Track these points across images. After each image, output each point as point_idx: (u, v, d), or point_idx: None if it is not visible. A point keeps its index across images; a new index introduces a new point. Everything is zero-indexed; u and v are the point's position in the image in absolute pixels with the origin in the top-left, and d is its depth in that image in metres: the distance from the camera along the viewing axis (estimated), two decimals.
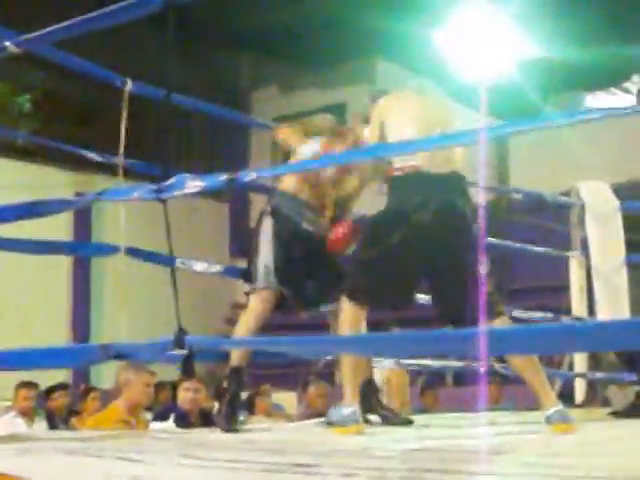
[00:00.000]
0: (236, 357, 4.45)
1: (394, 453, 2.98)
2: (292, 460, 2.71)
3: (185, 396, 6.56)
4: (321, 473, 2.45)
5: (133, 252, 5.33)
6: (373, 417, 4.70)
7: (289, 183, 4.71)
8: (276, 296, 4.57)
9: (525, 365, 4.09)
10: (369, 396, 4.71)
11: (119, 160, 5.30)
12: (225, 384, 4.51)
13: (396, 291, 4.30)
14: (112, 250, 5.38)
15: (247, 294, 4.63)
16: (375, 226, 4.30)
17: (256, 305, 4.56)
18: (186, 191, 3.04)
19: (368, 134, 4.53)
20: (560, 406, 4.04)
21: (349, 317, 4.21)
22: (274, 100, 16.55)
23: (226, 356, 4.50)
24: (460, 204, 4.20)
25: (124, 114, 5.05)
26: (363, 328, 4.30)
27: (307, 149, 4.66)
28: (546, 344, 2.46)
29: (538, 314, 7.06)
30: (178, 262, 5.22)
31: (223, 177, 3.04)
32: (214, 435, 4.27)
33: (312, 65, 15.49)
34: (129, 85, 5.16)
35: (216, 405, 7.58)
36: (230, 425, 4.33)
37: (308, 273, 4.66)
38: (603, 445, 3.51)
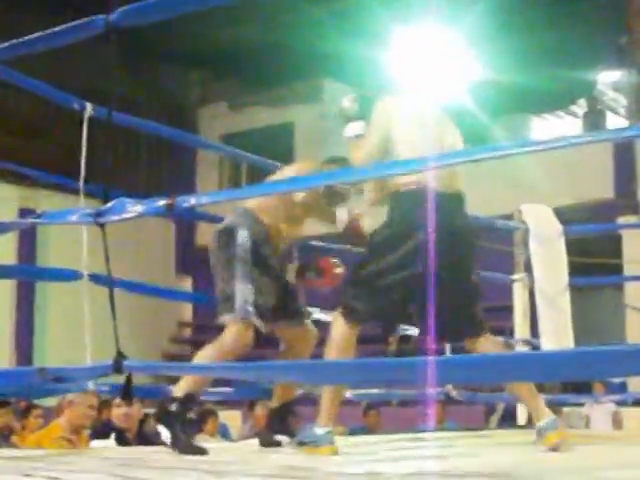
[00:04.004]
0: (192, 383, 4.20)
1: (337, 477, 2.97)
2: None
3: (118, 413, 6.47)
4: None
5: (96, 278, 5.07)
6: (284, 438, 4.63)
7: (260, 203, 4.48)
8: (254, 331, 4.30)
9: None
10: (285, 417, 4.68)
11: (80, 184, 5.13)
12: (173, 408, 4.18)
13: (392, 311, 4.26)
14: (74, 276, 5.14)
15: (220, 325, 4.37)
16: (375, 243, 4.16)
17: (229, 338, 4.28)
18: (125, 216, 3.02)
19: (365, 144, 4.29)
20: (553, 416, 4.17)
21: (340, 334, 4.08)
22: (222, 117, 16.53)
23: None
24: (459, 224, 4.16)
25: (84, 138, 4.85)
26: (353, 346, 4.13)
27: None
28: (497, 373, 2.46)
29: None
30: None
31: (162, 202, 3.01)
32: (154, 454, 4.23)
33: (260, 84, 15.51)
34: (89, 110, 4.93)
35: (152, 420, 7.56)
36: (191, 446, 4.09)
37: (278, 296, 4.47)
38: (540, 465, 3.54)
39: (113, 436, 6.37)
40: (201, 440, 7.63)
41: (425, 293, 4.09)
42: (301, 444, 4.05)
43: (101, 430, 6.76)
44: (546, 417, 4.16)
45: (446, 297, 4.05)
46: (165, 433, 4.17)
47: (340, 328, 4.11)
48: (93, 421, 6.48)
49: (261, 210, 4.48)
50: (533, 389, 4.26)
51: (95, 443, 6.15)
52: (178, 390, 4.23)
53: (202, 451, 4.08)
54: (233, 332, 4.28)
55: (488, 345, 4.22)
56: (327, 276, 4.69)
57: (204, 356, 4.26)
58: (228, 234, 4.42)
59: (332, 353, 4.08)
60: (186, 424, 4.20)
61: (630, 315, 12.88)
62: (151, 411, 7.68)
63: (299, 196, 4.48)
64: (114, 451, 5.11)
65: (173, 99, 16.54)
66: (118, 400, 6.42)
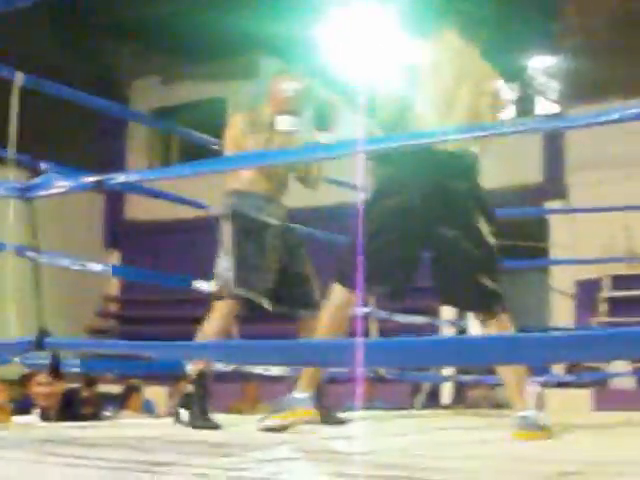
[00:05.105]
0: (201, 361, 4.32)
1: (252, 452, 2.96)
2: (151, 458, 2.68)
3: (39, 391, 6.37)
4: (173, 473, 2.41)
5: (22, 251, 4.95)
6: None
7: (241, 179, 4.52)
8: (237, 305, 4.46)
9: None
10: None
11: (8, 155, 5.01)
12: (189, 389, 4.37)
13: (384, 276, 3.95)
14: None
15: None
16: (365, 207, 3.94)
17: (215, 316, 4.46)
18: (52, 192, 2.97)
19: None
20: (529, 412, 3.76)
21: (336, 301, 3.93)
22: (154, 91, 16.36)
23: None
24: (455, 185, 3.83)
25: (14, 109, 4.72)
26: (349, 314, 3.99)
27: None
28: (421, 357, 2.45)
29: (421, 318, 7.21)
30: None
31: (91, 179, 2.97)
32: (76, 430, 4.20)
33: (194, 58, 15.37)
34: (20, 79, 4.79)
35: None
36: (207, 422, 4.23)
37: (280, 273, 4.53)
38: (458, 447, 3.56)
39: (37, 412, 6.30)
40: (126, 416, 7.62)
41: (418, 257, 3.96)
42: (278, 411, 3.97)
43: (23, 405, 6.68)
44: (522, 410, 3.75)
45: (442, 263, 3.90)
46: (184, 414, 4.33)
47: (335, 295, 3.96)
48: (15, 395, 6.40)
49: (250, 183, 4.53)
50: (520, 374, 3.85)
51: (18, 419, 6.08)
52: (192, 370, 4.37)
53: (215, 426, 4.20)
54: (217, 311, 4.45)
55: (492, 329, 3.86)
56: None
57: (201, 335, 4.40)
58: (218, 222, 4.58)
59: (324, 322, 3.94)
60: (201, 401, 4.32)
61: (555, 298, 13.07)
62: (75, 386, 7.64)
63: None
64: (38, 427, 5.06)
65: (105, 71, 16.30)
66: (40, 377, 6.33)
